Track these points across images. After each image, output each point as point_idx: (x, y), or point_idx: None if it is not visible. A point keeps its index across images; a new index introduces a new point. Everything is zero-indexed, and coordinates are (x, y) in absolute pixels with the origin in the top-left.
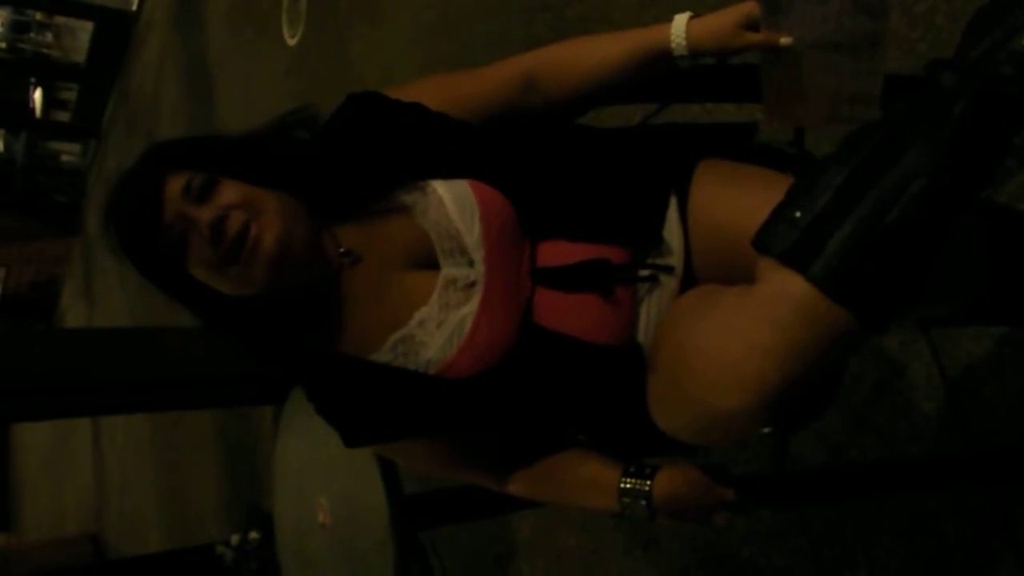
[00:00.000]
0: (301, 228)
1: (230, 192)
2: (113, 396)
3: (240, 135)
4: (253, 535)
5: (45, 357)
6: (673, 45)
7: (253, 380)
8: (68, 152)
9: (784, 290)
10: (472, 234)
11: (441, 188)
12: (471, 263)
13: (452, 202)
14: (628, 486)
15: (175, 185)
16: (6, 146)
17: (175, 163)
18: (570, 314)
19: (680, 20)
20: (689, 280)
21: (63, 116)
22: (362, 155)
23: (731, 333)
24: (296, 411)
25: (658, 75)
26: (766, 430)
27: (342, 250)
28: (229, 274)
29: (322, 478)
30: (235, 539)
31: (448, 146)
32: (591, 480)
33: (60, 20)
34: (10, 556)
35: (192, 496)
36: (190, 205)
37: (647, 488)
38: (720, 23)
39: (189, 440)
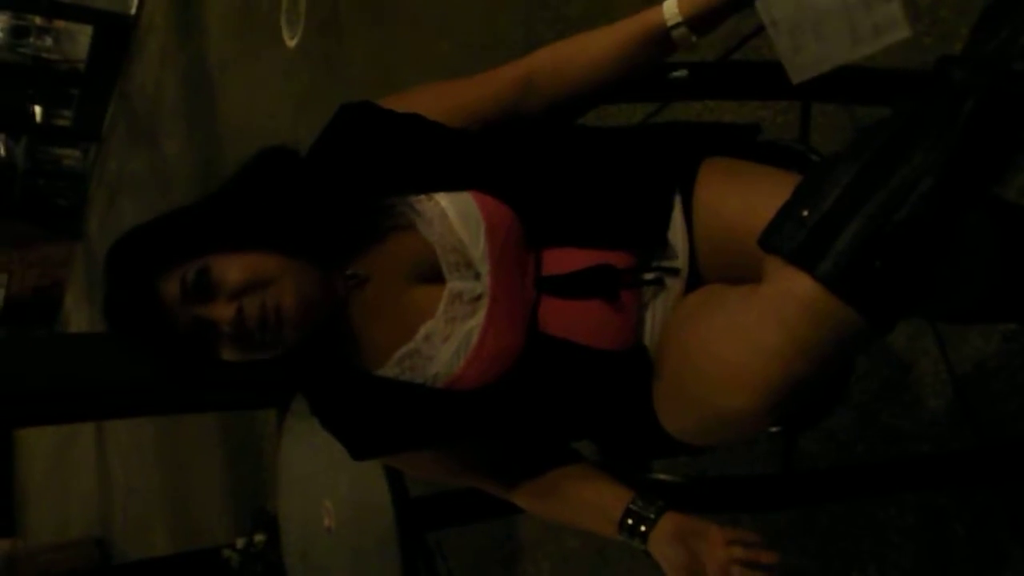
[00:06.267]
0: (309, 276)
1: (228, 272)
2: (117, 400)
3: (206, 200)
4: (259, 538)
5: (49, 362)
6: (666, 15)
7: (257, 383)
8: (69, 156)
9: (791, 289)
10: (477, 247)
11: (444, 201)
12: (477, 276)
13: (456, 215)
14: (631, 520)
15: (169, 289)
16: (7, 151)
17: (155, 263)
18: (576, 321)
19: (671, 1)
20: (694, 281)
21: (64, 120)
22: (359, 169)
23: (737, 333)
24: (300, 414)
25: (658, 67)
26: (773, 429)
27: (348, 272)
28: (263, 350)
29: (327, 481)
30: (241, 542)
31: (448, 157)
32: (594, 504)
33: (60, 24)
34: (16, 561)
35: (197, 499)
36: (197, 305)
37: (652, 516)
38: None
39: (194, 443)
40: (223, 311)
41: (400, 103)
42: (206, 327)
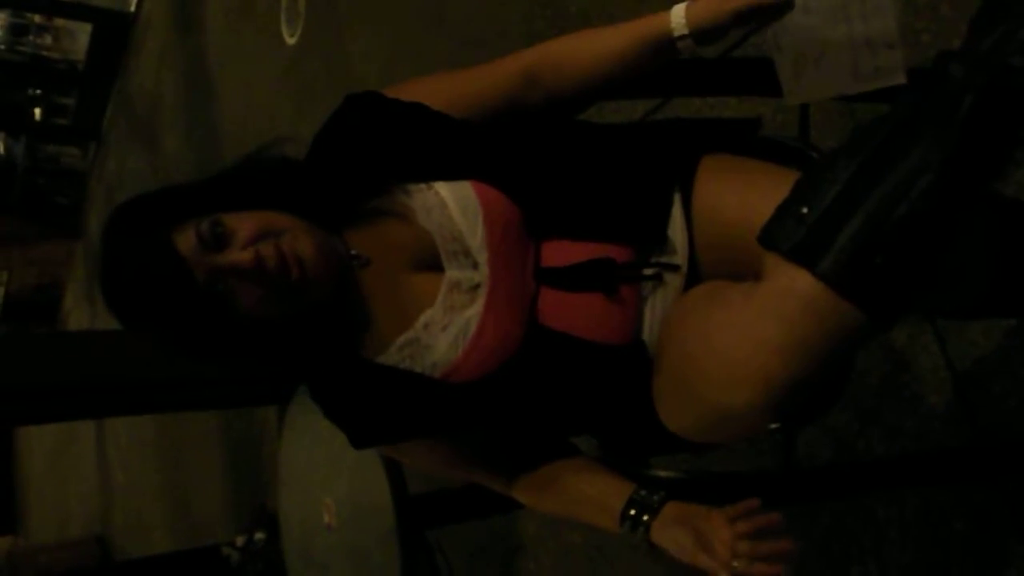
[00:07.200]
0: (319, 233)
1: (242, 224)
2: (117, 398)
3: (207, 177)
4: (259, 536)
5: (49, 360)
6: (673, 24)
7: (257, 380)
8: (69, 154)
9: (791, 286)
10: (476, 236)
11: (444, 190)
12: (475, 265)
13: (455, 204)
14: (633, 510)
15: (185, 241)
16: (7, 149)
17: (168, 217)
18: (575, 314)
19: (678, 8)
20: (694, 277)
21: (63, 118)
22: (362, 157)
23: (738, 330)
24: (301, 411)
25: (660, 68)
26: (773, 426)
27: (352, 253)
28: (285, 299)
29: (327, 479)
30: (241, 540)
31: (450, 146)
32: (595, 497)
33: (59, 22)
34: (16, 559)
35: (197, 497)
36: (213, 254)
37: (655, 504)
38: None
39: (193, 441)
40: (240, 256)
41: (403, 92)
42: (225, 276)
